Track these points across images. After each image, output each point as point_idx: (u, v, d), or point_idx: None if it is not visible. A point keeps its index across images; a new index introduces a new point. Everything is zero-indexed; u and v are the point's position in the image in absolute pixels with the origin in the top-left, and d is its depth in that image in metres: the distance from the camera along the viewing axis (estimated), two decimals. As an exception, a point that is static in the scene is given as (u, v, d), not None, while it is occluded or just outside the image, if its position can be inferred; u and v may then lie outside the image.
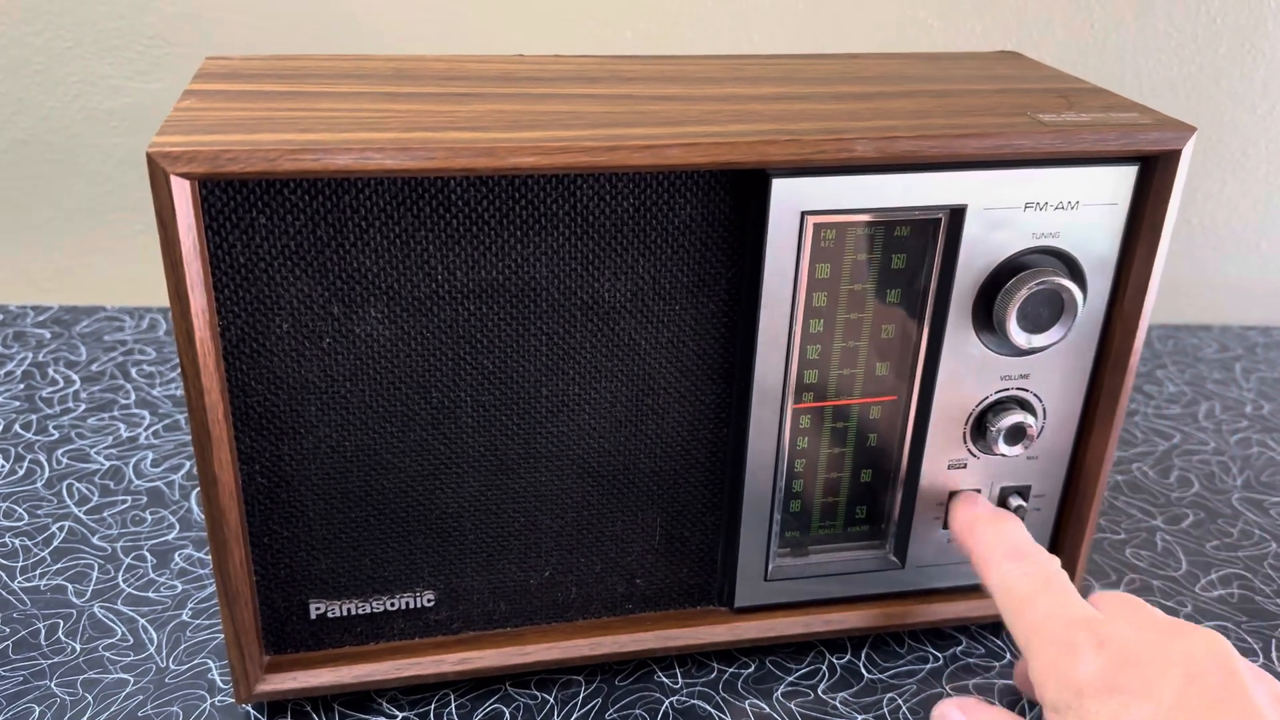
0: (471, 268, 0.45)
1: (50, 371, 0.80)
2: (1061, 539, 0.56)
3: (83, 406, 0.76)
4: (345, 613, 0.51)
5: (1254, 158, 0.93)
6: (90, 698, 0.53)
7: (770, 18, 0.88)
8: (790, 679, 0.56)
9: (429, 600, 0.52)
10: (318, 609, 0.51)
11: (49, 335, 0.85)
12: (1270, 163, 0.94)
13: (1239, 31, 0.89)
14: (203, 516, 0.64)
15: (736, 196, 0.46)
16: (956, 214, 0.47)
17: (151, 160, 0.40)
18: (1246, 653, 0.58)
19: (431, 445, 0.49)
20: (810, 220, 0.46)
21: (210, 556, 0.47)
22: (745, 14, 0.88)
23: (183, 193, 0.40)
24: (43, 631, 0.56)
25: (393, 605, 0.52)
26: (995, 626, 0.59)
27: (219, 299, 0.44)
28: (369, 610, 0.52)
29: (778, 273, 0.47)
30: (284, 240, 0.43)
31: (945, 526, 0.55)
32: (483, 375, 0.48)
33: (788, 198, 0.45)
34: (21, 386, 0.78)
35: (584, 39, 0.89)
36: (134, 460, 0.70)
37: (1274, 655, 0.58)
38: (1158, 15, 0.88)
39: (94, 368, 0.81)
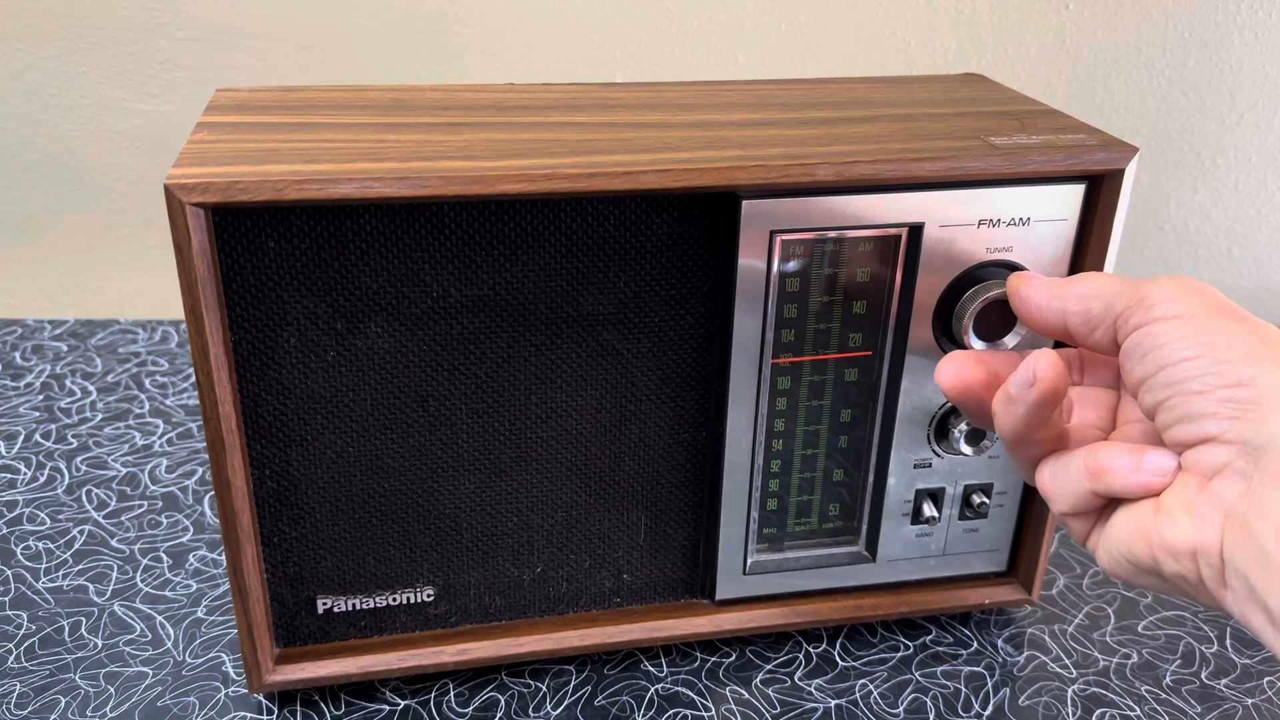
0: (465, 285, 0.49)
1: (68, 383, 0.84)
2: (1024, 533, 0.60)
3: (99, 416, 0.80)
4: (350, 607, 0.55)
5: (1224, 166, 0.97)
6: (112, 689, 0.56)
7: (754, 37, 0.91)
8: (769, 667, 0.59)
9: (428, 595, 0.56)
10: (324, 604, 0.54)
11: (65, 348, 0.89)
12: (1239, 171, 0.97)
13: (1206, 46, 0.92)
14: (216, 520, 0.68)
15: (710, 216, 0.50)
16: (914, 231, 0.51)
17: (169, 191, 0.43)
18: (1201, 640, 0.62)
19: (429, 450, 0.52)
20: (779, 238, 0.50)
21: (224, 556, 0.51)
22: (730, 34, 0.91)
23: (197, 221, 0.44)
24: (66, 628, 0.60)
25: (394, 600, 0.55)
26: (963, 617, 0.63)
27: (231, 317, 0.47)
28: (372, 605, 0.55)
29: (750, 286, 0.50)
30: (291, 262, 0.47)
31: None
32: (476, 385, 0.51)
33: (757, 218, 0.49)
34: (41, 398, 0.82)
35: (576, 59, 0.92)
36: (149, 467, 0.74)
37: (1228, 642, 0.62)
38: (1127, 30, 0.92)
39: (109, 379, 0.85)
